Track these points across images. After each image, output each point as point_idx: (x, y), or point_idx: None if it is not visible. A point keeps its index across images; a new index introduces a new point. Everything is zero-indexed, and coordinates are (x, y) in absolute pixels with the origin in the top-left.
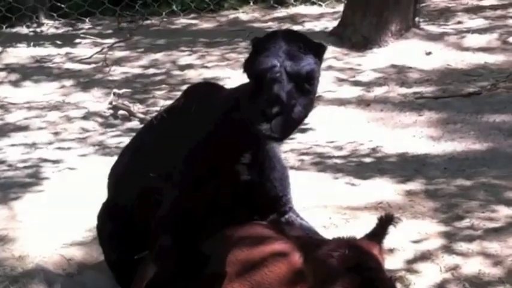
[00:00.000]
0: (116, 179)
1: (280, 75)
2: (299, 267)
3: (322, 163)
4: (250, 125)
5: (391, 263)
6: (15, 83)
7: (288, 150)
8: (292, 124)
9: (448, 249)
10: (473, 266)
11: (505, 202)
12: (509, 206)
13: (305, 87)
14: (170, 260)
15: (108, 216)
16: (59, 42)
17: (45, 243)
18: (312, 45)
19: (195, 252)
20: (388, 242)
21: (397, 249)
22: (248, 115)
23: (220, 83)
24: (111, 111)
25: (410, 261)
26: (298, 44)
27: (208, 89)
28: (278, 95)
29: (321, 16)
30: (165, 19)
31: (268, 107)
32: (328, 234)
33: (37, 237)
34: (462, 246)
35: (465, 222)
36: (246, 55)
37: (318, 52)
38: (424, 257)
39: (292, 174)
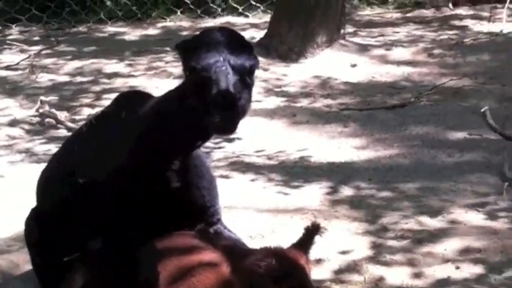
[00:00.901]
0: (44, 185)
1: (226, 69)
2: (226, 277)
3: (249, 172)
4: (197, 120)
5: (317, 273)
6: None
7: (215, 160)
8: (240, 116)
9: (372, 260)
10: (397, 276)
11: (428, 213)
12: (432, 217)
13: (247, 80)
14: (100, 267)
15: (36, 221)
16: None
17: None
18: (246, 42)
19: (124, 260)
20: (314, 252)
21: (324, 259)
22: (195, 111)
23: (147, 91)
24: (38, 118)
25: (336, 272)
26: (236, 40)
27: (138, 96)
28: (227, 88)
29: (248, 26)
30: (92, 27)
31: (219, 100)
32: (254, 244)
33: None
34: (386, 257)
35: (389, 233)
36: (174, 64)
37: (252, 49)
38: (350, 267)
39: (219, 184)
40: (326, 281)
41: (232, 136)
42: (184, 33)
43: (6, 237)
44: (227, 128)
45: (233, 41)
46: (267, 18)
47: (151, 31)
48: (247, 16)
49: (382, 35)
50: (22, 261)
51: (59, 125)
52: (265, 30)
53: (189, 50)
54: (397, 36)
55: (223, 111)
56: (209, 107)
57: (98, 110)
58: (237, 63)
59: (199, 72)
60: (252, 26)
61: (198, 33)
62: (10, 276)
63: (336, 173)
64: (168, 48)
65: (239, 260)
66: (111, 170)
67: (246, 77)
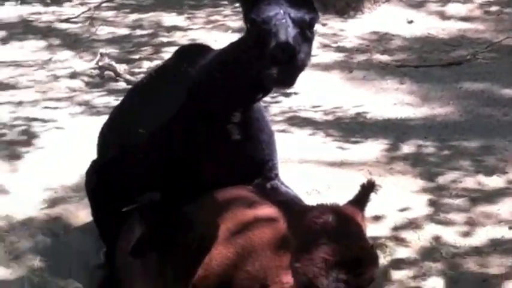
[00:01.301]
0: (104, 137)
1: (286, 22)
2: (283, 233)
3: (307, 127)
4: (257, 72)
5: (373, 230)
6: (2, 42)
7: (272, 114)
8: (299, 69)
9: (428, 218)
10: (451, 235)
11: (483, 172)
12: (488, 175)
13: (307, 34)
14: (157, 217)
15: (97, 172)
16: (45, 1)
17: (32, 203)
18: None
19: (181, 212)
20: (371, 209)
21: (380, 216)
22: (255, 63)
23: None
24: (97, 71)
25: (393, 229)
26: None
27: (199, 49)
28: (287, 40)
29: None
30: None
31: (278, 53)
32: (310, 200)
33: (24, 196)
34: (441, 215)
35: (445, 192)
36: (232, 18)
37: (312, 2)
38: (406, 225)
39: (277, 138)
40: (382, 238)
41: (289, 91)
42: None
43: (67, 188)
44: (286, 81)
45: None
46: None
47: None
48: None
49: None
50: (82, 213)
51: (118, 78)
52: None
53: (250, 2)
54: None
55: (283, 64)
56: (269, 60)
57: (156, 63)
58: (297, 16)
59: (259, 25)
60: None
61: None
62: (70, 227)
63: (392, 130)
64: (226, 2)
65: (295, 216)
66: (171, 123)
67: (306, 31)
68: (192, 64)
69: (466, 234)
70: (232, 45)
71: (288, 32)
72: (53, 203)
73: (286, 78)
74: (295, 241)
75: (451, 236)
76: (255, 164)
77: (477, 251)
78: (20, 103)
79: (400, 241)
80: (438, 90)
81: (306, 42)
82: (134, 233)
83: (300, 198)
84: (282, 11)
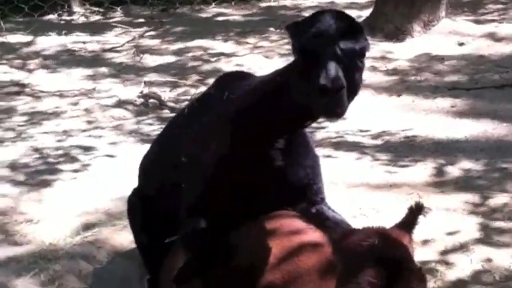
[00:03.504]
0: (146, 166)
1: (335, 52)
2: (329, 258)
3: (354, 152)
4: (305, 103)
5: (422, 253)
6: (47, 72)
7: (319, 139)
8: (349, 101)
9: (479, 241)
10: (504, 258)
11: None
12: None
13: (358, 64)
14: (201, 245)
15: (139, 200)
16: (90, 30)
17: (76, 230)
18: (357, 25)
19: (225, 239)
20: (420, 232)
21: (429, 240)
22: (303, 93)
23: (252, 72)
24: (142, 99)
25: (442, 253)
26: (347, 22)
27: (241, 77)
28: (336, 72)
29: (353, 6)
30: (196, 8)
31: (327, 85)
32: (357, 224)
33: (68, 224)
34: (493, 238)
35: (497, 214)
36: (279, 43)
37: (362, 31)
38: (456, 248)
39: (323, 163)
40: (431, 262)
41: None
42: (289, 13)
43: (110, 215)
44: (336, 112)
45: (344, 23)
46: None
47: (255, 11)
48: None
49: (490, 12)
50: (126, 240)
51: (162, 106)
52: (371, 10)
53: (300, 32)
54: (506, 13)
55: (332, 95)
56: (317, 91)
57: (201, 90)
58: (347, 46)
59: (308, 56)
60: (357, 5)
61: (309, 15)
62: (114, 255)
63: (442, 153)
64: (272, 29)
65: (341, 239)
66: (215, 151)
67: (356, 60)
68: (234, 91)
69: None
70: (279, 73)
71: (337, 64)
72: (97, 230)
73: (336, 109)
74: (341, 265)
75: (504, 258)
76: (299, 189)
77: None
78: (64, 132)
79: (450, 265)
80: (490, 112)
81: (356, 72)
82: (178, 261)
83: (348, 223)
84: (331, 42)
